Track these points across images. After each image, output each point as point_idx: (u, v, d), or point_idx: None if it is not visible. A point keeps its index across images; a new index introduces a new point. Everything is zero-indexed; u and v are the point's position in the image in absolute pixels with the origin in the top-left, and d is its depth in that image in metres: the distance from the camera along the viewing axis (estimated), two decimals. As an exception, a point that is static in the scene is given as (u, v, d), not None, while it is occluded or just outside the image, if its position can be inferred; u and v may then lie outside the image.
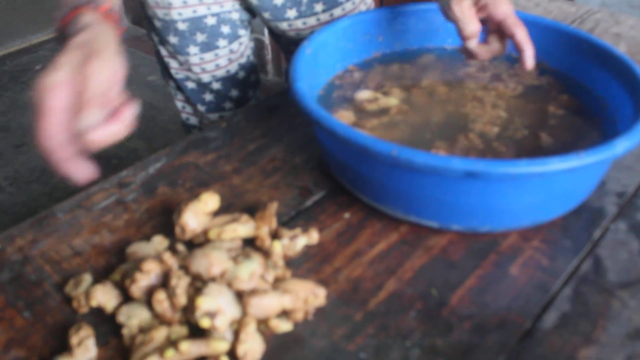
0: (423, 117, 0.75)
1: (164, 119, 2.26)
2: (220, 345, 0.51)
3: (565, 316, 0.56)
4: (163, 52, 1.02)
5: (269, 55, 2.41)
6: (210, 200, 0.64)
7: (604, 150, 0.56)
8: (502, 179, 0.56)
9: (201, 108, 1.06)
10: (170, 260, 0.56)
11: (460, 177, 0.55)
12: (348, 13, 1.06)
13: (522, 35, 0.72)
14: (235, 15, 0.99)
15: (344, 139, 0.58)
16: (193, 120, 1.12)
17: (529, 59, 0.72)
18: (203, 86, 1.03)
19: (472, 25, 0.73)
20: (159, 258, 0.57)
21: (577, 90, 0.80)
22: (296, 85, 0.67)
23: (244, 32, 1.02)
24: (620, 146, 0.57)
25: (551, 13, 1.23)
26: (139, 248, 0.63)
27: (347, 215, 0.68)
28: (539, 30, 0.85)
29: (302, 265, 0.62)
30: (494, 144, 0.70)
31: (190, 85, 1.04)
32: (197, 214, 0.63)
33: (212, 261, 0.55)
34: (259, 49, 2.38)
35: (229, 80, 1.04)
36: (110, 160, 2.07)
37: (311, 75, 0.75)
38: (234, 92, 1.06)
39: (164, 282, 0.56)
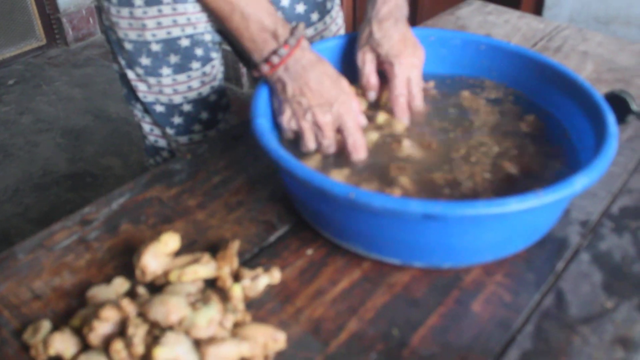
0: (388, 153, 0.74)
1: (139, 135, 2.23)
2: (179, 396, 0.50)
3: (526, 354, 0.56)
4: (131, 75, 1.01)
5: (244, 67, 2.40)
6: (170, 241, 0.64)
7: (562, 188, 0.56)
8: (461, 220, 0.56)
9: (170, 131, 1.06)
10: (129, 307, 0.56)
11: (418, 219, 0.55)
12: (320, 33, 1.07)
13: (397, 106, 0.81)
14: (208, 37, 0.98)
15: (302, 181, 0.58)
16: (162, 142, 1.11)
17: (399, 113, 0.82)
18: (172, 109, 1.02)
19: (365, 79, 0.83)
20: (117, 304, 0.56)
21: (543, 118, 0.80)
22: (256, 121, 0.67)
23: (216, 55, 1.02)
24: (579, 183, 0.57)
25: (520, 30, 1.24)
26: (99, 291, 0.62)
27: (309, 251, 0.67)
28: (505, 56, 0.85)
29: (263, 306, 0.61)
30: (464, 178, 0.70)
31: (159, 108, 1.03)
32: (157, 256, 0.62)
33: (170, 309, 0.54)
34: (234, 62, 2.38)
35: (200, 102, 1.03)
36: (84, 178, 2.05)
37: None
38: (204, 115, 1.05)
39: (122, 329, 0.55)
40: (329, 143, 0.74)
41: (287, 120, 0.75)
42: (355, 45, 0.85)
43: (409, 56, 0.82)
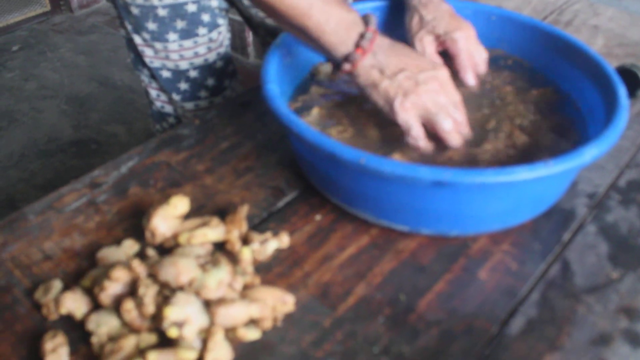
0: None
1: (144, 102, 2.23)
2: (188, 355, 0.51)
3: (531, 322, 0.57)
4: (138, 40, 1.01)
5: (250, 37, 2.39)
6: (179, 204, 0.64)
7: (571, 159, 0.56)
8: (470, 188, 0.57)
9: (176, 97, 1.06)
10: (139, 268, 0.56)
11: (428, 186, 0.56)
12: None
13: (466, 75, 0.81)
14: (215, 3, 0.98)
15: (313, 145, 0.58)
16: (168, 108, 1.11)
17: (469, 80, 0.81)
18: (179, 74, 1.02)
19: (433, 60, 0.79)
20: (127, 265, 0.57)
21: (555, 90, 0.80)
22: (267, 87, 0.67)
23: (222, 22, 1.02)
24: (589, 154, 0.58)
25: (531, 3, 1.23)
26: (109, 253, 0.63)
27: (318, 217, 0.68)
28: (516, 27, 0.85)
29: (272, 270, 0.62)
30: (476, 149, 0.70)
31: (165, 74, 1.03)
32: (166, 218, 0.63)
33: (180, 270, 0.55)
34: (239, 31, 2.36)
35: (207, 69, 1.03)
36: (89, 144, 2.05)
37: (285, 73, 0.75)
38: (210, 81, 1.05)
39: (133, 290, 0.56)
40: (453, 99, 0.70)
41: (400, 104, 0.68)
42: (407, 34, 0.83)
43: (465, 29, 0.81)
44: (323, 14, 0.68)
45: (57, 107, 2.29)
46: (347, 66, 0.70)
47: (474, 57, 0.82)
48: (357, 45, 0.69)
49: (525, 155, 0.68)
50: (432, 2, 0.82)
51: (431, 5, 0.82)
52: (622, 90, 0.67)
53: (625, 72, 0.86)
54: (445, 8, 0.82)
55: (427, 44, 0.81)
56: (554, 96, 0.78)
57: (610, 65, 0.72)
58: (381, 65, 0.69)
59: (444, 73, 0.70)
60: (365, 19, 0.70)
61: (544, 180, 0.57)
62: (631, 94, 0.86)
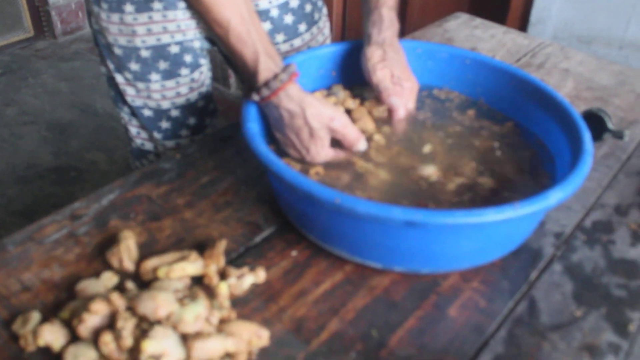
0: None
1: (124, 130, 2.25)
2: (164, 388, 0.52)
3: (498, 358, 0.59)
4: (119, 79, 1.02)
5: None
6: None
7: (537, 201, 0.59)
8: (440, 228, 0.59)
9: (157, 135, 1.07)
10: (118, 301, 0.57)
11: (400, 225, 0.58)
12: (307, 43, 1.09)
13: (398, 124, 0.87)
14: (197, 44, 1.00)
15: (290, 184, 0.60)
16: (148, 145, 1.12)
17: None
18: (160, 114, 1.04)
19: (387, 92, 0.86)
20: (107, 298, 0.58)
21: (524, 132, 0.83)
22: (247, 125, 0.69)
23: (204, 61, 1.04)
24: (554, 197, 0.60)
25: (505, 45, 1.27)
26: (88, 285, 0.64)
27: (294, 253, 0.70)
28: (489, 71, 0.88)
29: (248, 304, 0.63)
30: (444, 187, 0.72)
31: (147, 113, 1.04)
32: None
33: (159, 303, 0.56)
34: (221, 62, 2.39)
35: (188, 108, 1.05)
36: (69, 172, 2.05)
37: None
38: (192, 120, 1.07)
39: (111, 322, 0.57)
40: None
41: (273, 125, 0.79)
42: (366, 63, 0.86)
43: (412, 81, 0.88)
44: (233, 54, 0.80)
45: (37, 133, 2.29)
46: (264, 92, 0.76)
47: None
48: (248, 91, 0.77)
49: (494, 195, 0.71)
50: (393, 45, 0.88)
51: (395, 46, 0.88)
52: (587, 136, 0.70)
53: (592, 116, 0.90)
54: (402, 54, 0.89)
55: (386, 75, 0.86)
56: (518, 132, 0.82)
57: (577, 111, 0.76)
58: (268, 113, 0.77)
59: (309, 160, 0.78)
60: (267, 82, 0.75)
61: (511, 222, 0.60)
62: (597, 137, 0.90)
